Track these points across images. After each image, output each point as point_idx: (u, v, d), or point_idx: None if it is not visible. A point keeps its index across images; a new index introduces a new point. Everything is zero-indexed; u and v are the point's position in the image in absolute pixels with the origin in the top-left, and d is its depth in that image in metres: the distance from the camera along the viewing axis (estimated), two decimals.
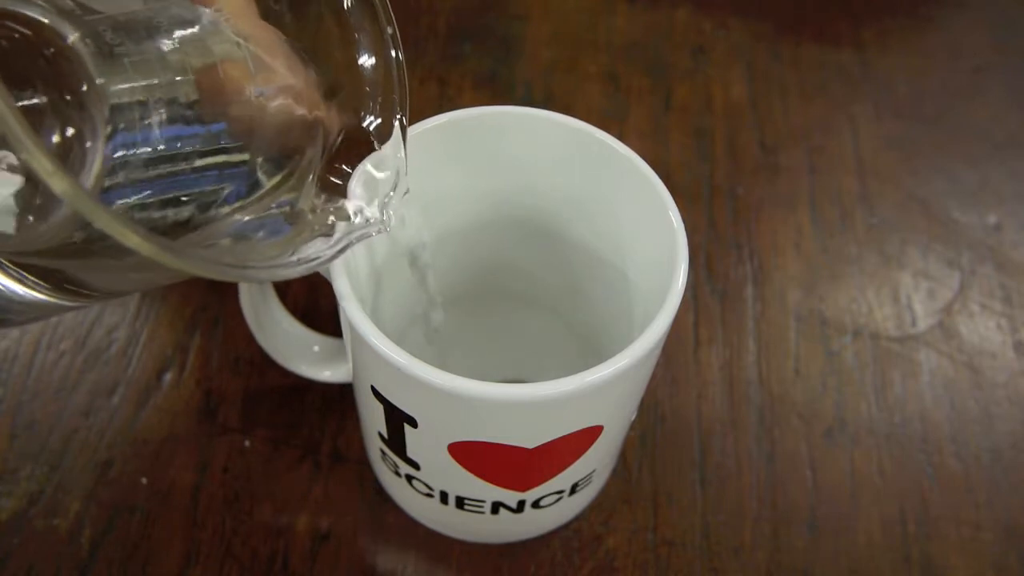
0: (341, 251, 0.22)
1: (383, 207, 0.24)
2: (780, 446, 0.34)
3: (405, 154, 0.24)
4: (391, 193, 0.24)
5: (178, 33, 0.20)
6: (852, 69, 0.48)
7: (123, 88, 0.19)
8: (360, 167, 0.24)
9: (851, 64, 0.48)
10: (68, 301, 0.20)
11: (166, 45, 0.20)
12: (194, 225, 0.21)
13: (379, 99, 0.24)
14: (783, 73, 0.47)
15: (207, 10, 0.21)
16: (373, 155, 0.24)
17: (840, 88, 0.47)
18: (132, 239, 0.15)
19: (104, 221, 0.15)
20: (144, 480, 0.32)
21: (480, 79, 0.45)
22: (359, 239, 0.23)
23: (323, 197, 0.24)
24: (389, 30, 0.24)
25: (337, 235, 0.22)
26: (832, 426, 0.35)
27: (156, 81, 0.19)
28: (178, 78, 0.20)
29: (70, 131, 0.18)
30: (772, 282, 0.39)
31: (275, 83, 0.22)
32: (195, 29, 0.21)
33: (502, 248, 0.32)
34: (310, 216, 0.23)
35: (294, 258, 0.21)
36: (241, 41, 0.21)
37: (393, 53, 0.24)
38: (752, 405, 0.35)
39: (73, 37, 0.18)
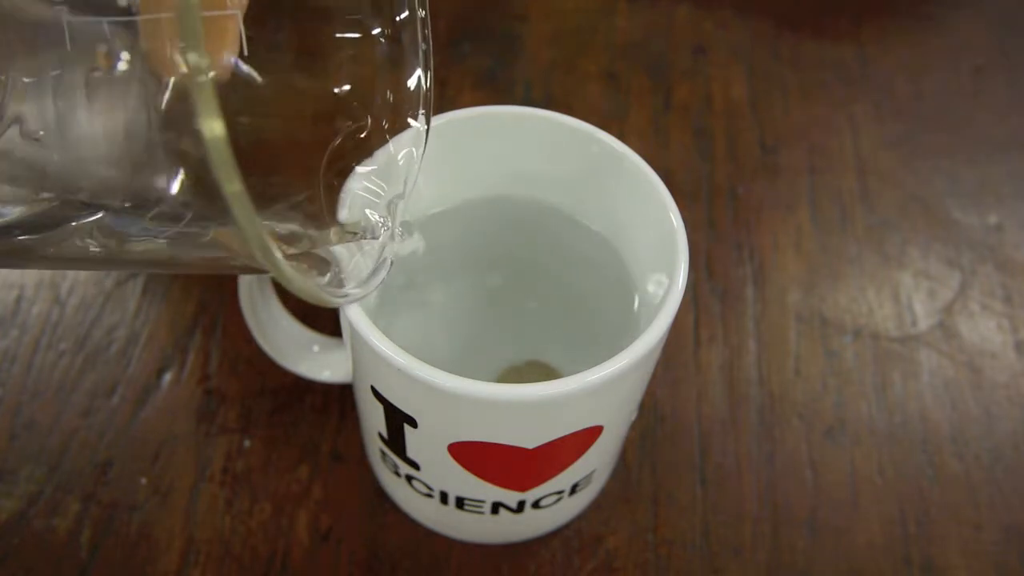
0: (379, 283, 0.22)
1: (391, 223, 0.23)
2: (780, 446, 0.34)
3: (419, 168, 0.24)
4: (398, 208, 0.24)
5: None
6: (852, 68, 0.48)
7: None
8: (365, 182, 0.24)
9: (851, 63, 0.48)
10: None
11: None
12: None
13: (398, 115, 0.24)
14: (783, 72, 0.47)
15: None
16: (380, 168, 0.24)
17: (840, 88, 0.47)
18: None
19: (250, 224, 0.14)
20: (144, 480, 0.32)
21: (480, 79, 0.45)
22: (388, 262, 0.22)
23: (316, 221, 0.23)
24: (423, 46, 0.23)
25: (356, 260, 0.22)
26: (832, 426, 0.35)
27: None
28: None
29: None
30: (772, 282, 0.39)
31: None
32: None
33: (501, 247, 0.32)
34: (309, 238, 0.23)
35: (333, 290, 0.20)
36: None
37: (425, 72, 0.23)
38: (752, 405, 0.35)
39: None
